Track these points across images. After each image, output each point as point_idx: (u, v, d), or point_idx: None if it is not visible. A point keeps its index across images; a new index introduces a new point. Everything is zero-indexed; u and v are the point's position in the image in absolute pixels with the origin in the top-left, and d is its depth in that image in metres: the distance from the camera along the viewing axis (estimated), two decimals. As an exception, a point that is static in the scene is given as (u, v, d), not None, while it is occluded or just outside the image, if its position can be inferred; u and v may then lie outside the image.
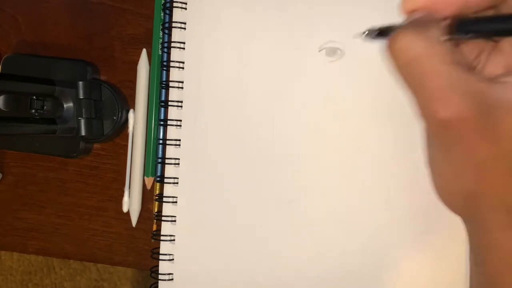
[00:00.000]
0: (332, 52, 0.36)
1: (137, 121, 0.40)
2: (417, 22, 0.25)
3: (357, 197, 0.36)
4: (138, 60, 0.40)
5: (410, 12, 0.26)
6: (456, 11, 0.25)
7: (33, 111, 0.38)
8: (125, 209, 0.41)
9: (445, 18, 0.25)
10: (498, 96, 0.22)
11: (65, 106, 0.40)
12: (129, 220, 0.41)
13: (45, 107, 0.39)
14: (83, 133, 0.39)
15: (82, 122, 0.39)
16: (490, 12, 0.26)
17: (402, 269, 0.36)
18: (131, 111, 0.41)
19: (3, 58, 0.42)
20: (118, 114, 0.40)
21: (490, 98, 0.22)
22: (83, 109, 0.39)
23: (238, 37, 0.37)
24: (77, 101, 0.40)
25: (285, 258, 0.37)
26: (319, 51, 0.36)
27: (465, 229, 0.26)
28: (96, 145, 0.42)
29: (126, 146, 0.41)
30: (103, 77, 0.42)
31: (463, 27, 0.24)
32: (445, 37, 0.25)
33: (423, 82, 0.23)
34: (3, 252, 1.06)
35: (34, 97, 0.38)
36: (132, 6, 0.41)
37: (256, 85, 0.37)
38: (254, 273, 0.38)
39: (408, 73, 0.24)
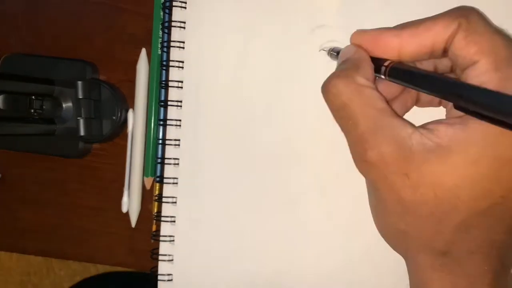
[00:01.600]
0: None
1: (136, 121, 0.40)
2: (346, 64, 0.26)
3: (357, 197, 0.36)
4: (137, 60, 0.40)
5: (354, 44, 0.27)
6: (392, 57, 0.26)
7: (32, 111, 0.38)
8: (124, 210, 0.41)
9: (379, 61, 0.26)
10: (422, 143, 0.23)
11: (64, 106, 0.40)
12: (129, 221, 0.41)
13: (44, 107, 0.39)
14: (82, 133, 0.39)
15: (81, 122, 0.39)
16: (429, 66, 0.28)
17: (402, 269, 0.36)
18: (130, 111, 0.41)
19: (2, 58, 0.41)
20: (118, 114, 0.40)
21: (414, 144, 0.23)
22: (82, 109, 0.39)
23: (238, 36, 0.37)
24: (76, 101, 0.40)
25: (285, 258, 0.37)
26: (319, 51, 0.36)
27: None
28: (95, 145, 0.42)
29: (126, 146, 0.41)
30: (102, 77, 0.42)
31: (394, 74, 0.25)
32: (380, 78, 0.26)
33: (353, 125, 0.25)
34: (2, 252, 1.06)
35: (33, 97, 0.38)
36: (131, 5, 0.41)
37: (256, 85, 0.37)
38: (254, 273, 0.38)
39: (340, 116, 0.25)
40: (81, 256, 0.43)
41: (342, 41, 0.36)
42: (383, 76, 0.26)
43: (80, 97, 0.39)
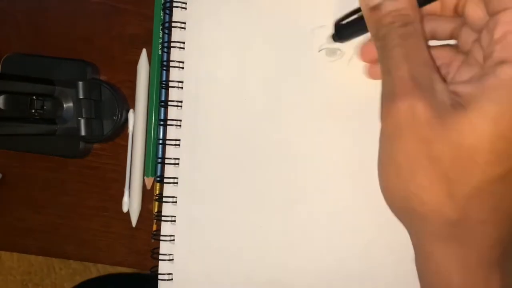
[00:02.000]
0: (332, 52, 0.36)
1: (137, 121, 0.40)
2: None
3: (357, 197, 0.36)
4: (138, 60, 0.40)
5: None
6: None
7: (33, 111, 0.38)
8: (125, 209, 0.41)
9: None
10: (452, 102, 0.23)
11: (65, 106, 0.40)
12: (129, 220, 0.41)
13: (45, 107, 0.39)
14: (83, 133, 0.39)
15: (82, 122, 0.39)
16: None
17: (403, 270, 0.36)
18: (131, 111, 0.41)
19: (3, 58, 0.41)
20: (118, 114, 0.40)
21: (446, 101, 0.23)
22: (83, 109, 0.39)
23: (237, 37, 0.37)
24: (77, 101, 0.40)
25: (285, 258, 0.37)
26: (319, 51, 0.36)
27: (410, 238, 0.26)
28: (96, 145, 0.42)
29: (126, 146, 0.41)
30: (103, 77, 0.42)
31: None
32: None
33: (394, 68, 0.24)
34: (3, 252, 1.06)
35: (34, 97, 0.38)
36: (132, 6, 0.41)
37: (256, 85, 0.37)
38: (254, 273, 0.38)
39: (384, 57, 0.25)
40: (81, 256, 0.43)
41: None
42: None
43: (81, 97, 0.39)
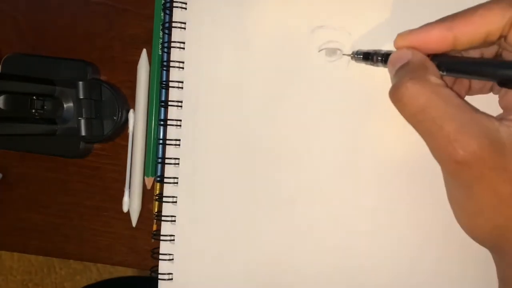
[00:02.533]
0: (332, 52, 0.36)
1: (137, 121, 0.40)
2: (412, 67, 0.25)
3: (357, 197, 0.37)
4: (138, 60, 0.41)
5: (405, 48, 0.26)
6: (446, 51, 0.25)
7: (33, 111, 0.38)
8: (125, 209, 0.41)
9: (429, 55, 0.26)
10: (510, 135, 0.23)
11: (65, 106, 0.40)
12: (129, 220, 0.41)
13: (45, 107, 0.39)
14: (83, 133, 0.39)
15: (82, 122, 0.39)
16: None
17: (402, 270, 0.36)
18: (131, 111, 0.41)
19: (3, 58, 0.42)
20: (118, 114, 0.40)
21: (503, 136, 0.23)
22: (83, 109, 0.39)
23: (237, 37, 0.37)
24: (77, 101, 0.40)
25: (285, 258, 0.37)
26: (319, 51, 0.36)
27: (494, 260, 0.26)
28: (96, 145, 0.42)
29: (126, 146, 0.41)
30: (103, 77, 0.42)
31: (451, 68, 0.25)
32: (443, 75, 0.25)
33: (436, 128, 0.23)
34: (3, 252, 1.06)
35: (34, 97, 0.38)
36: (132, 6, 0.41)
37: (256, 85, 0.37)
38: (253, 273, 0.38)
39: (420, 121, 0.24)
40: (82, 256, 0.43)
41: (342, 42, 0.36)
42: (441, 72, 0.25)
43: (81, 97, 0.39)
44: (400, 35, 0.27)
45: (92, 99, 0.40)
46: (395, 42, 0.27)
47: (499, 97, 0.28)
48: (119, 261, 0.42)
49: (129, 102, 0.42)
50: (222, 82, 0.37)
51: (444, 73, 0.25)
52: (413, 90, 0.24)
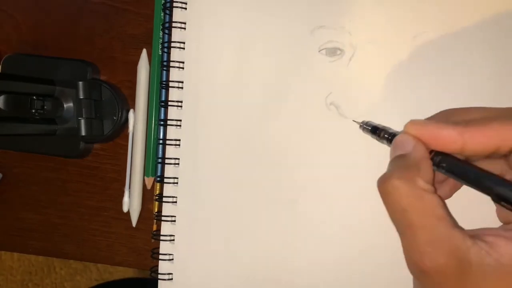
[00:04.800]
0: (332, 52, 0.36)
1: (137, 121, 0.40)
2: (406, 163, 0.25)
3: (357, 197, 0.36)
4: (138, 60, 0.40)
5: (411, 136, 0.26)
6: (453, 152, 0.25)
7: (33, 111, 0.38)
8: (125, 209, 0.41)
9: (432, 151, 0.26)
10: (480, 257, 0.23)
11: (65, 106, 0.40)
12: (129, 220, 0.41)
13: (45, 107, 0.39)
14: (83, 133, 0.39)
15: (82, 122, 0.39)
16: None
17: (402, 271, 0.36)
18: (131, 111, 0.41)
19: (3, 58, 0.42)
20: (118, 114, 0.40)
21: (472, 257, 0.23)
22: (83, 109, 0.39)
23: (238, 37, 0.37)
24: (77, 101, 0.40)
25: (285, 258, 0.37)
26: (319, 51, 0.36)
27: None
28: (96, 145, 0.42)
29: (126, 146, 0.41)
30: (103, 77, 0.42)
31: (448, 170, 0.25)
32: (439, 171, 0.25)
33: (410, 233, 0.24)
34: (3, 252, 1.07)
35: (34, 97, 0.38)
36: (132, 6, 0.41)
37: (256, 85, 0.37)
38: (253, 273, 0.38)
39: (397, 219, 0.25)
40: (81, 256, 0.43)
41: (342, 41, 0.36)
42: (435, 167, 0.25)
43: (81, 97, 0.39)
44: (412, 123, 0.26)
45: (92, 99, 0.40)
46: (405, 127, 0.26)
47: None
48: (119, 261, 0.42)
49: (129, 102, 0.42)
50: (222, 82, 0.37)
51: (442, 171, 0.25)
52: (398, 190, 0.24)
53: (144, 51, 0.41)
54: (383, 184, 0.25)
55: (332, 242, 0.37)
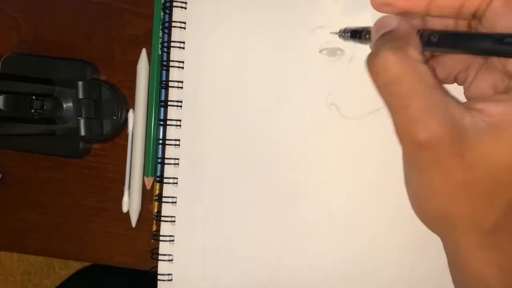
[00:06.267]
0: (333, 52, 0.36)
1: (136, 121, 0.40)
2: (394, 36, 0.25)
3: (357, 198, 0.36)
4: (137, 60, 0.40)
5: (380, 6, 0.26)
6: (419, 10, 0.25)
7: (33, 111, 0.38)
8: (124, 209, 0.41)
9: (419, 30, 0.25)
10: (473, 123, 0.23)
11: (64, 106, 0.40)
12: (129, 220, 0.41)
13: (44, 107, 0.39)
14: (82, 133, 0.39)
15: (82, 122, 0.39)
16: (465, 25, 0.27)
17: (401, 271, 0.36)
18: (130, 111, 0.41)
19: (2, 58, 0.41)
20: (118, 114, 0.40)
21: (467, 124, 0.23)
22: (83, 109, 0.39)
23: (238, 37, 0.37)
24: (76, 101, 0.40)
25: (284, 258, 0.37)
26: (319, 51, 0.36)
27: (443, 247, 0.27)
28: (95, 145, 0.42)
29: (126, 146, 0.41)
30: (102, 77, 0.42)
31: (440, 42, 0.24)
32: (425, 51, 0.25)
33: (404, 104, 0.23)
34: (3, 252, 1.06)
35: (34, 97, 0.38)
36: (132, 6, 0.41)
37: (256, 85, 0.37)
38: (253, 273, 0.38)
39: (389, 93, 0.24)
40: (81, 256, 0.43)
41: (342, 42, 0.36)
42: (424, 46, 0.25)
43: (81, 97, 0.39)
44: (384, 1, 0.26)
45: (91, 99, 0.40)
46: (382, 8, 0.27)
47: (464, 87, 0.27)
48: (119, 261, 0.42)
49: (128, 102, 0.42)
50: (222, 81, 0.37)
51: (433, 47, 0.25)
52: (389, 60, 0.24)
53: (144, 50, 0.40)
54: (373, 58, 0.24)
55: (332, 242, 0.37)
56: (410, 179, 0.26)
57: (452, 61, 0.27)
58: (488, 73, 0.26)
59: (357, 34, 0.30)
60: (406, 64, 0.23)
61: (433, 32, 0.25)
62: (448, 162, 0.23)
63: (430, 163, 0.23)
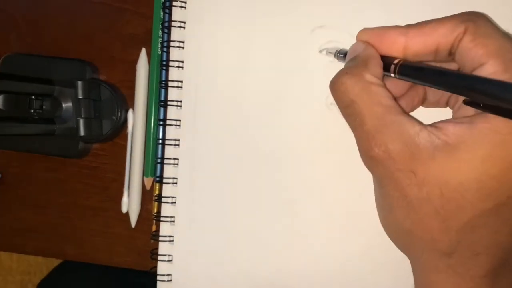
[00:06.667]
0: (333, 52, 0.36)
1: (136, 121, 0.40)
2: (356, 61, 0.26)
3: (357, 198, 0.36)
4: (137, 60, 0.40)
5: (362, 41, 0.28)
6: (397, 55, 0.26)
7: (32, 111, 0.38)
8: (124, 210, 0.41)
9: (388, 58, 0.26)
10: (429, 141, 0.23)
11: (64, 106, 0.40)
12: (129, 221, 0.41)
13: (44, 107, 0.39)
14: (82, 133, 0.39)
15: (81, 122, 0.39)
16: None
17: (401, 270, 0.36)
18: (130, 111, 0.41)
19: (2, 58, 0.41)
20: (117, 114, 0.40)
21: (422, 142, 0.23)
22: (82, 109, 0.39)
23: (237, 36, 0.37)
24: (76, 101, 0.40)
25: (284, 258, 0.37)
26: (319, 51, 0.36)
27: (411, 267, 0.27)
28: (95, 145, 0.42)
29: (125, 146, 0.41)
30: (102, 77, 0.42)
31: (405, 71, 0.25)
32: (389, 76, 0.26)
33: (359, 123, 0.25)
34: (2, 252, 1.06)
35: (33, 97, 0.38)
36: (131, 5, 0.41)
37: (256, 85, 0.37)
38: (253, 274, 0.38)
39: (348, 113, 0.26)
40: (81, 256, 0.43)
41: (342, 42, 0.36)
42: (392, 75, 0.26)
43: (80, 97, 0.39)
44: (363, 29, 0.28)
45: (91, 99, 0.40)
46: (357, 34, 0.28)
47: (453, 111, 0.28)
48: (118, 261, 0.42)
49: (128, 102, 0.41)
50: (222, 81, 0.37)
51: (396, 76, 0.26)
52: (346, 84, 0.25)
53: (144, 50, 0.40)
54: (333, 82, 0.26)
55: (332, 242, 0.37)
56: (375, 192, 0.27)
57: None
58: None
59: (334, 54, 0.32)
60: (361, 86, 0.25)
61: (403, 62, 0.26)
62: (400, 177, 0.24)
63: (384, 177, 0.24)
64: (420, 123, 0.24)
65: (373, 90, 0.25)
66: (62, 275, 0.59)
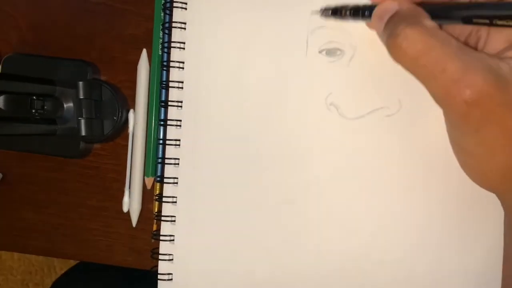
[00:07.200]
0: (332, 52, 0.36)
1: (137, 121, 0.40)
2: (403, 15, 0.25)
3: (357, 197, 0.36)
4: (138, 60, 0.40)
5: (388, 1, 0.27)
6: None
7: (33, 111, 0.38)
8: (125, 209, 0.41)
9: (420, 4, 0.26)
10: (510, 70, 0.22)
11: (65, 106, 0.40)
12: (129, 220, 0.41)
13: (45, 107, 0.39)
14: (83, 133, 0.39)
15: (82, 122, 0.39)
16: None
17: (401, 270, 0.36)
18: (131, 111, 0.41)
19: (3, 58, 0.42)
20: (118, 114, 0.40)
21: (505, 72, 0.22)
22: (83, 109, 0.39)
23: (238, 37, 0.37)
24: (77, 101, 0.40)
25: (285, 258, 0.37)
26: (319, 51, 0.36)
27: (502, 205, 0.26)
28: (96, 145, 0.42)
29: (126, 146, 0.41)
30: (103, 77, 0.42)
31: (446, 13, 0.25)
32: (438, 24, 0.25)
33: (439, 70, 0.23)
34: (3, 252, 1.07)
35: (34, 97, 0.38)
36: (132, 6, 0.41)
37: (256, 85, 0.37)
38: (253, 273, 0.38)
39: (421, 65, 0.24)
40: (82, 256, 0.43)
41: (342, 42, 0.36)
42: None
43: (81, 97, 0.39)
44: None
45: (92, 99, 0.40)
46: None
47: (478, 48, 0.27)
48: (119, 261, 0.42)
49: (129, 102, 0.42)
50: (222, 82, 0.37)
51: (439, 20, 0.25)
52: (411, 36, 0.24)
53: (144, 51, 0.41)
54: (394, 40, 0.24)
55: (332, 241, 0.37)
56: (462, 145, 0.25)
57: (461, 26, 0.27)
58: (500, 29, 0.26)
59: (337, 12, 0.32)
60: (428, 34, 0.24)
61: (430, 7, 0.25)
62: (500, 113, 0.22)
63: (483, 119, 0.23)
64: (494, 55, 0.23)
65: (441, 34, 0.24)
66: (77, 276, 0.58)
